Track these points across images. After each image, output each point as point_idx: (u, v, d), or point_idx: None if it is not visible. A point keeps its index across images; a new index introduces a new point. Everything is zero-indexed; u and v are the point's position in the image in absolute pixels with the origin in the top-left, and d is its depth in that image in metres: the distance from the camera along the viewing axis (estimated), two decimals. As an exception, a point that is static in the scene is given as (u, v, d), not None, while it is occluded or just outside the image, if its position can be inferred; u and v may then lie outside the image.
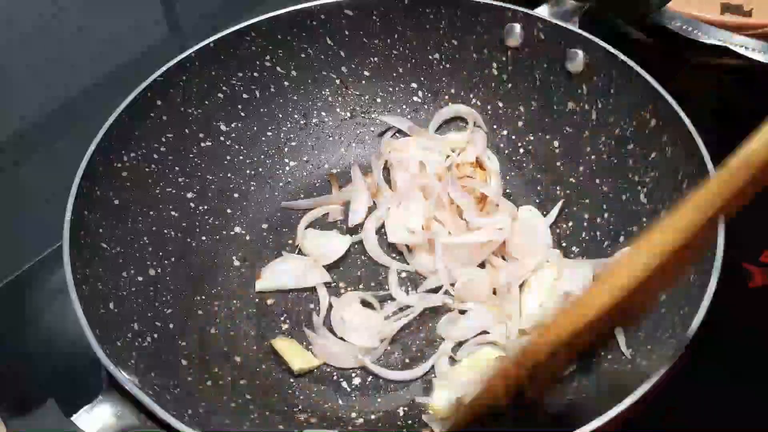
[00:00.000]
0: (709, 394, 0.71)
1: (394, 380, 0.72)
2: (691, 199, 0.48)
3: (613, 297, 0.49)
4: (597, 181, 0.81)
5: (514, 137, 0.88)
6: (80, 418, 0.57)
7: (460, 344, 0.74)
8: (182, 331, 0.73)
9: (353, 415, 0.70)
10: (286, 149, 0.89)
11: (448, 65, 0.88)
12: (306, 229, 0.84)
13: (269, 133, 0.88)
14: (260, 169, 0.87)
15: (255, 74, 0.86)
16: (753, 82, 0.85)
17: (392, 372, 0.73)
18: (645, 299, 0.54)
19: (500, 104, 0.88)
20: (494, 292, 0.76)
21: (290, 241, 0.83)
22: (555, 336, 0.51)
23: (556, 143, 0.85)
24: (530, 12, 0.82)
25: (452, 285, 0.76)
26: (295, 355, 0.73)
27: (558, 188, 0.83)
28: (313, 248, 0.82)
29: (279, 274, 0.80)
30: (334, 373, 0.73)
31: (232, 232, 0.84)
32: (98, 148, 0.72)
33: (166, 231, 0.78)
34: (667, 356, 0.57)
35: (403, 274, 0.80)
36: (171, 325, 0.72)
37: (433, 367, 0.73)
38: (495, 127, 0.88)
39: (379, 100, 0.91)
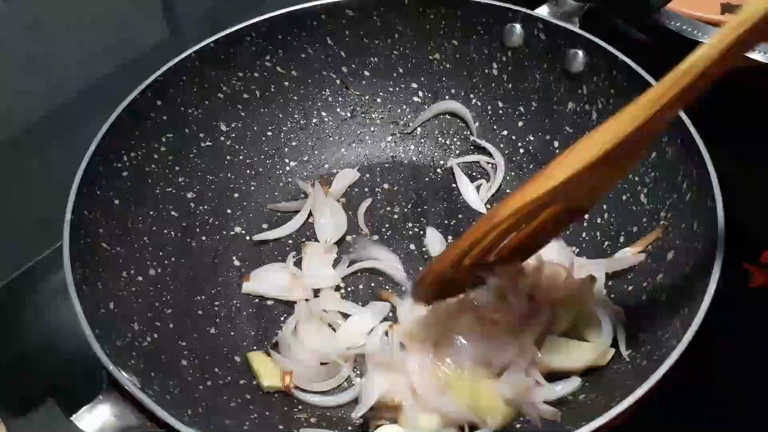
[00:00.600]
0: (709, 395, 0.71)
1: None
2: (639, 100, 0.56)
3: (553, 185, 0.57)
4: (597, 181, 0.81)
5: (514, 137, 0.88)
6: (80, 418, 0.57)
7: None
8: (182, 331, 0.72)
9: (353, 415, 0.70)
10: (286, 149, 0.89)
11: (448, 65, 0.88)
12: (311, 242, 0.83)
13: (269, 133, 0.88)
14: (260, 169, 0.87)
15: (255, 74, 0.86)
16: (753, 82, 0.85)
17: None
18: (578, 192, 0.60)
19: (500, 104, 0.88)
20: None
21: (290, 242, 0.84)
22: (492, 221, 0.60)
23: (556, 143, 0.85)
24: (530, 12, 0.82)
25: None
26: (266, 373, 0.72)
27: (558, 188, 0.83)
28: (307, 266, 0.80)
29: (264, 282, 0.79)
30: (334, 373, 0.73)
31: (232, 232, 0.84)
32: (98, 148, 0.72)
33: (166, 231, 0.78)
34: (667, 356, 0.57)
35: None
36: (171, 325, 0.72)
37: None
38: (495, 127, 0.88)
39: (379, 100, 0.91)
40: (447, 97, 0.90)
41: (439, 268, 0.66)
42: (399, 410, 0.67)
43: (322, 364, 0.73)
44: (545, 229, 0.65)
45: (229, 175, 0.85)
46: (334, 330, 0.75)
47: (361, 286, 0.80)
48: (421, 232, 0.83)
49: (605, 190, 0.65)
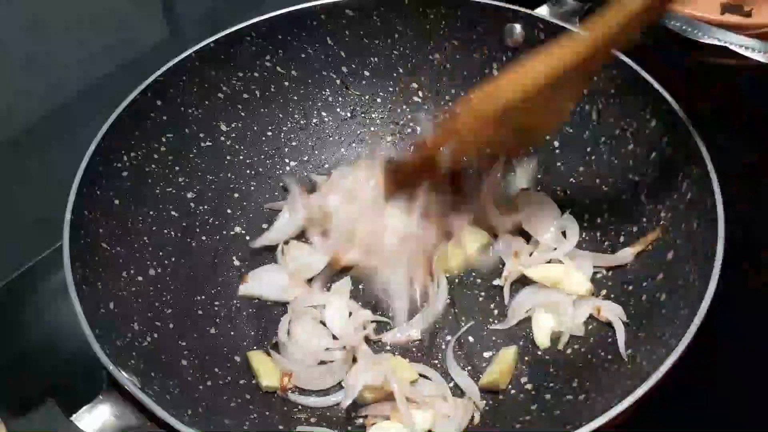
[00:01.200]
0: (709, 395, 0.71)
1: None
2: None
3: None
4: (597, 181, 0.81)
5: (514, 137, 0.88)
6: (80, 418, 0.57)
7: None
8: (182, 331, 0.72)
9: (352, 414, 0.70)
10: (286, 149, 0.89)
11: (448, 65, 0.88)
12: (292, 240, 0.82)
13: (269, 133, 0.88)
14: (260, 169, 0.87)
15: (255, 74, 0.86)
16: (753, 82, 0.85)
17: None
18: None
19: (500, 104, 0.88)
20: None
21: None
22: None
23: (556, 143, 0.84)
24: (531, 12, 0.82)
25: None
26: (265, 373, 0.72)
27: (558, 188, 0.83)
28: (291, 260, 0.80)
29: (261, 283, 0.79)
30: (334, 373, 0.73)
31: (232, 232, 0.84)
32: (98, 148, 0.72)
33: (166, 231, 0.78)
34: (667, 356, 0.57)
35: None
36: (171, 325, 0.72)
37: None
38: (495, 127, 0.88)
39: (379, 100, 0.91)
40: (447, 97, 0.90)
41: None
42: (393, 407, 0.67)
43: (320, 363, 0.73)
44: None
45: (229, 175, 0.85)
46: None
47: (361, 286, 0.80)
48: (421, 232, 0.83)
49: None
